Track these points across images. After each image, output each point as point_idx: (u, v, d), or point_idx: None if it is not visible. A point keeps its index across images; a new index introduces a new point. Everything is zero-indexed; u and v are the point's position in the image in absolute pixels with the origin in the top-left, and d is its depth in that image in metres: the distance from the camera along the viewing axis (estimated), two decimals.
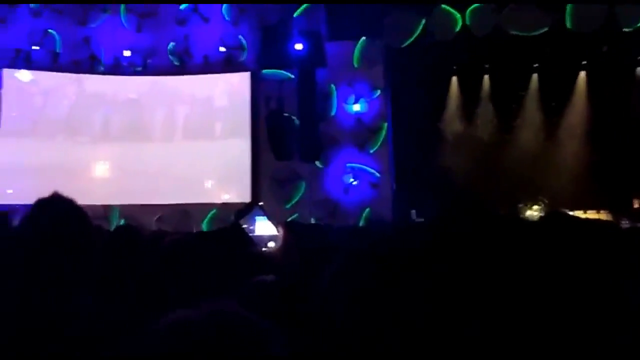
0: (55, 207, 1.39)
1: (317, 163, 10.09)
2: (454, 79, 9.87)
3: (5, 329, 1.22)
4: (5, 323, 1.23)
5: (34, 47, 11.00)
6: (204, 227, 9.96)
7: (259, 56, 10.62)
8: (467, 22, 9.13)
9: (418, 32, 9.34)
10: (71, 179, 10.24)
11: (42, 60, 11.12)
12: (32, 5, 11.05)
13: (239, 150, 10.65)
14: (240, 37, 10.88)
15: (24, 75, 11.19)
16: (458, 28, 9.17)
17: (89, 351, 1.19)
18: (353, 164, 9.98)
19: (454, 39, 9.16)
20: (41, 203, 1.39)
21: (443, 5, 9.13)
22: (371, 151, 10.01)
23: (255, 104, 10.73)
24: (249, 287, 1.89)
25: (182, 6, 10.94)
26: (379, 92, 9.98)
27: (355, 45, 10.02)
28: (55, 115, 11.14)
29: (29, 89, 11.24)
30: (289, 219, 7.80)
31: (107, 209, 10.26)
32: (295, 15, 10.37)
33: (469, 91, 9.70)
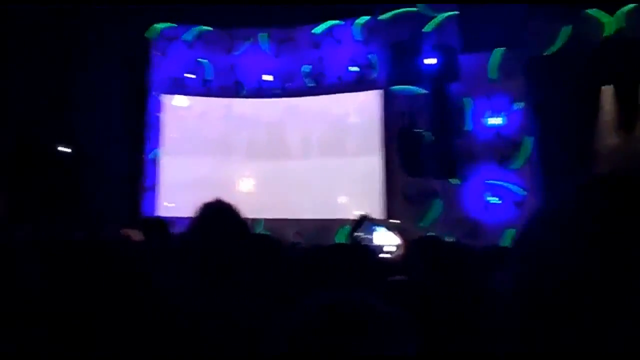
0: (221, 209, 1.55)
1: (453, 179, 10.17)
2: (607, 87, 9.19)
3: (188, 325, 1.33)
4: (185, 319, 1.34)
5: (188, 75, 12.85)
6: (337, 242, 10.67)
7: (389, 73, 11.02)
8: (620, 25, 8.51)
9: (563, 39, 8.95)
10: (222, 193, 11.59)
11: (195, 87, 12.89)
12: (186, 38, 12.86)
13: (371, 167, 11.13)
14: (370, 55, 11.43)
15: (180, 100, 13.07)
16: (609, 32, 8.60)
17: (254, 347, 1.26)
18: (493, 181, 9.81)
19: (605, 44, 8.59)
20: (207, 206, 1.53)
21: (589, 10, 8.63)
22: (514, 167, 9.71)
23: (387, 121, 11.16)
24: (382, 285, 1.99)
25: (317, 30, 11.86)
26: (521, 104, 9.70)
27: (490, 57, 9.93)
28: (207, 136, 12.73)
29: (185, 113, 13.06)
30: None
31: (253, 221, 11.49)
32: (425, 29, 10.60)
33: (626, 100, 8.95)
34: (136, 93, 12.90)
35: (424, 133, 10.43)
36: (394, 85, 10.95)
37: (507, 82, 9.81)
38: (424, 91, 10.52)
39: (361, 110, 11.63)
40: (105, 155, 12.79)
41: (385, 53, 11.13)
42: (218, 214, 1.53)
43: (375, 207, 10.94)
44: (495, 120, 9.91)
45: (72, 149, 15.91)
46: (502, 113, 9.82)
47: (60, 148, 15.98)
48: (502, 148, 9.87)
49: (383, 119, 11.21)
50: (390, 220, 10.45)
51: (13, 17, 11.44)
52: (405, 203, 10.59)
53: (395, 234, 1.88)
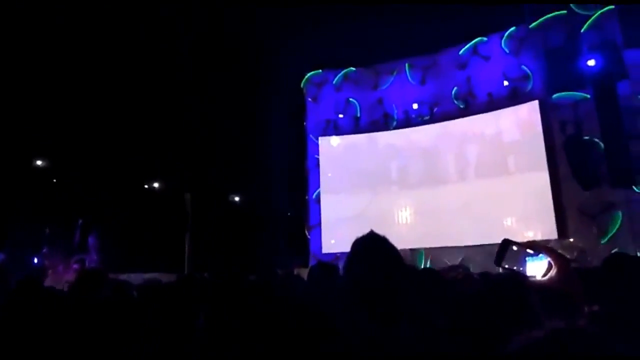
0: (374, 242, 1.61)
1: (634, 188, 9.70)
2: None
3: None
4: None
5: (340, 116, 14.41)
6: None
7: (546, 82, 11.05)
8: None
9: None
10: (381, 225, 12.50)
11: (346, 125, 14.36)
12: (334, 82, 14.53)
13: (537, 183, 10.98)
14: (523, 67, 11.61)
15: (334, 140, 14.64)
16: None
17: None
18: None
19: None
20: (361, 240, 1.61)
21: None
22: None
23: (549, 133, 11.07)
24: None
25: (462, 51, 12.50)
26: None
27: None
28: (362, 171, 13.87)
29: (339, 152, 14.53)
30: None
31: (414, 252, 12.15)
32: (582, 30, 10.52)
33: None
34: (296, 139, 14.91)
35: (593, 140, 10.19)
36: (552, 93, 10.93)
37: None
38: (587, 96, 10.34)
39: (519, 125, 11.69)
40: (273, 200, 14.89)
41: (540, 61, 11.18)
42: (371, 247, 1.59)
43: (547, 226, 10.83)
44: None
45: (243, 197, 18.67)
46: None
47: (234, 198, 18.85)
48: None
49: (544, 131, 11.13)
50: (570, 240, 10.31)
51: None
52: (582, 219, 10.29)
53: (545, 260, 1.59)
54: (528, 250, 1.64)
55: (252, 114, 14.05)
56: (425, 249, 12.24)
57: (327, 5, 12.30)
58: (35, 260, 11.40)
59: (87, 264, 11.43)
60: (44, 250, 11.40)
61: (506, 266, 1.64)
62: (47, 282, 5.01)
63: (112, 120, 14.52)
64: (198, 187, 16.71)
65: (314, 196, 14.55)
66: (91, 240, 12.52)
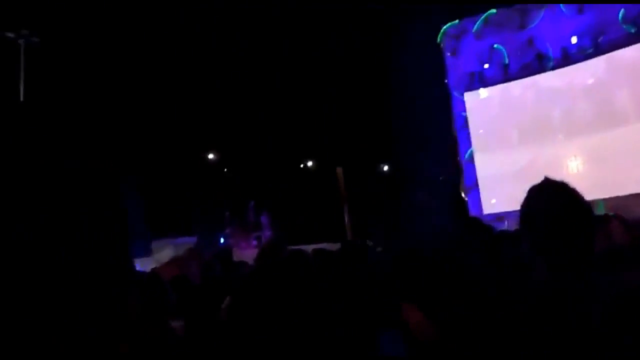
0: (551, 188, 1.51)
1: None
2: None
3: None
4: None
5: (484, 66, 13.33)
6: None
7: None
8: None
9: None
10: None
11: (494, 75, 13.27)
12: (473, 30, 13.44)
13: None
14: None
15: (482, 93, 13.64)
16: None
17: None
18: None
19: None
20: (537, 188, 1.51)
21: None
22: None
23: None
24: None
25: None
26: None
27: None
28: (519, 122, 12.85)
29: (489, 105, 13.55)
30: None
31: (591, 203, 10.94)
32: None
33: None
34: (440, 98, 14.26)
35: None
36: None
37: None
38: None
39: None
40: (423, 165, 14.51)
41: None
42: (551, 193, 1.49)
43: None
44: None
45: (393, 166, 18.61)
46: None
47: (383, 167, 18.91)
48: None
49: None
50: None
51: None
52: None
53: None
54: None
55: (390, 79, 13.77)
56: (604, 199, 10.97)
57: None
58: (222, 240, 13.12)
59: (263, 240, 12.74)
60: (227, 231, 13.02)
61: None
62: (234, 257, 5.64)
63: (266, 109, 15.61)
64: (348, 161, 17.16)
65: (466, 157, 13.87)
66: (264, 219, 13.80)
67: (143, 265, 4.38)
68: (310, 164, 18.98)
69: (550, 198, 1.48)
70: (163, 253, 10.20)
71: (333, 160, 17.64)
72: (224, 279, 3.84)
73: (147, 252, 11.33)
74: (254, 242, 13.11)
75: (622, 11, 10.82)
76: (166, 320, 2.05)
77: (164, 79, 13.87)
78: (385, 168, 19.13)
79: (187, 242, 10.78)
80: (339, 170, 17.66)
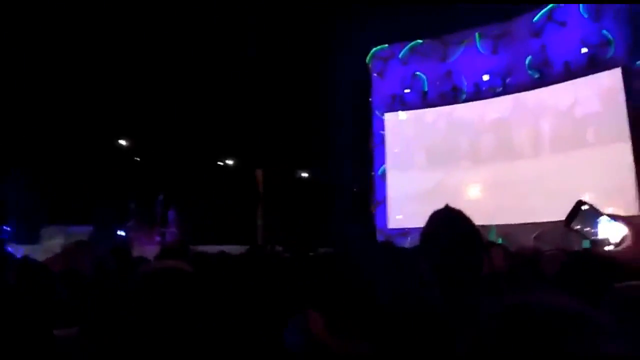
0: (449, 216, 1.63)
1: None
2: None
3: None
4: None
5: (406, 90, 14.33)
6: (586, 243, 10.40)
7: (630, 47, 10.44)
8: None
9: None
10: (450, 202, 12.44)
11: (413, 100, 14.28)
12: (400, 55, 14.43)
13: (618, 156, 10.53)
14: (604, 32, 10.98)
15: (401, 115, 14.61)
16: None
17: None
18: None
19: None
20: (437, 215, 1.63)
21: None
22: None
23: (633, 101, 10.45)
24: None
25: (536, 18, 11.99)
26: None
27: None
28: (430, 146, 13.83)
29: (406, 127, 14.50)
30: None
31: (484, 229, 12.02)
32: None
33: None
34: (362, 115, 15.06)
35: None
36: (638, 60, 10.34)
37: None
38: None
39: (598, 95, 11.11)
40: (339, 175, 15.22)
41: (622, 26, 10.59)
42: (449, 220, 1.62)
43: (629, 202, 10.36)
44: None
45: (312, 173, 19.19)
46: None
47: (302, 173, 19.43)
48: None
49: (627, 100, 10.55)
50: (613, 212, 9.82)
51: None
52: None
53: (621, 224, 1.51)
54: (603, 215, 1.60)
55: (318, 90, 14.33)
56: (497, 225, 12.08)
57: None
58: (122, 233, 12.42)
59: (167, 237, 12.40)
60: (129, 224, 12.38)
61: (576, 227, 1.60)
62: (133, 253, 5.43)
63: (187, 100, 15.39)
64: (268, 163, 17.42)
65: (379, 172, 14.71)
66: (171, 214, 13.46)
67: (31, 253, 4.16)
68: (229, 162, 18.98)
69: (448, 224, 1.62)
70: (54, 242, 9.74)
71: (253, 161, 17.80)
72: (118, 276, 3.58)
73: (34, 239, 10.85)
74: (157, 238, 12.69)
75: (529, 57, 12.19)
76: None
77: (80, 60, 13.40)
78: (305, 175, 19.66)
79: (82, 231, 10.19)
80: (259, 172, 17.90)
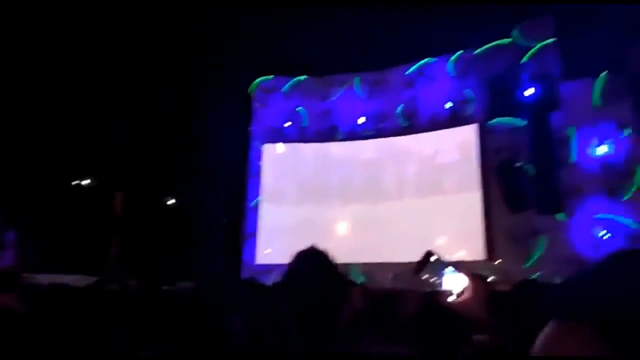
0: (315, 257, 1.63)
1: (559, 215, 10.35)
2: None
3: None
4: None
5: (286, 124, 14.65)
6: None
7: (486, 107, 11.75)
8: None
9: None
10: (319, 238, 12.67)
11: (292, 134, 14.60)
12: (283, 89, 14.82)
13: (470, 204, 11.52)
14: (465, 91, 12.34)
15: (279, 148, 14.83)
16: None
17: None
18: (603, 215, 9.80)
19: None
20: (302, 254, 1.63)
21: None
22: (624, 199, 9.67)
23: (485, 156, 11.67)
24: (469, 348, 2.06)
25: (409, 71, 13.14)
26: (628, 130, 9.77)
27: (592, 83, 10.19)
28: (304, 181, 14.05)
29: (283, 160, 14.70)
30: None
31: (347, 267, 12.33)
32: (523, 60, 11.34)
33: None
34: (240, 144, 14.98)
35: (525, 167, 10.89)
36: (491, 119, 11.58)
37: (612, 108, 9.90)
38: (523, 123, 11.08)
39: (457, 147, 12.24)
40: (210, 204, 14.80)
41: (482, 87, 11.85)
42: (312, 261, 1.62)
43: (476, 247, 11.38)
44: (602, 150, 9.99)
45: (179, 201, 18.43)
46: (609, 141, 9.88)
47: (169, 200, 18.60)
48: (610, 179, 9.86)
49: (481, 154, 11.75)
50: (496, 262, 10.89)
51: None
52: (508, 241, 10.87)
53: (463, 276, 1.65)
54: (449, 266, 1.68)
55: (196, 115, 14.01)
56: (360, 264, 12.48)
57: (282, 10, 12.61)
58: None
59: (3, 261, 11.07)
60: None
61: (424, 277, 1.68)
62: None
63: (39, 111, 14.07)
64: (131, 186, 16.38)
65: (252, 204, 14.60)
66: (9, 236, 12.08)
67: None
68: (85, 182, 17.56)
69: (311, 266, 1.61)
70: None
71: (114, 183, 16.66)
72: None
73: None
74: None
75: (400, 106, 13.21)
76: None
77: None
78: (172, 202, 18.83)
79: None
80: (119, 195, 16.79)
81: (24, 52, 13.29)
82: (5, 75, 12.91)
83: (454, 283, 1.65)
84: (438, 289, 1.66)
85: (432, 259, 1.68)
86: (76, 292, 3.45)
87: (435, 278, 1.67)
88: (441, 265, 1.67)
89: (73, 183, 17.03)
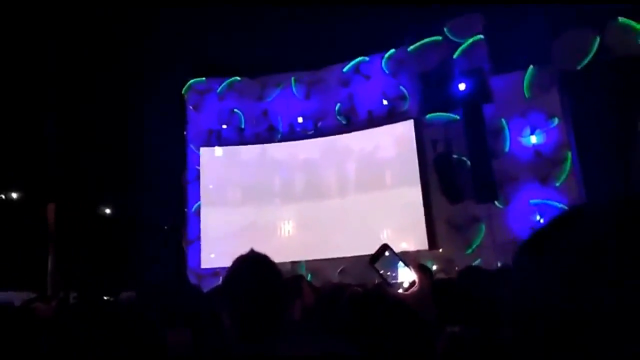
0: (253, 262, 1.58)
1: (496, 203, 10.47)
2: None
3: None
4: None
5: (223, 126, 13.91)
6: None
7: (421, 103, 11.66)
8: None
9: (593, 51, 9.41)
10: (262, 239, 12.27)
11: (230, 136, 13.90)
12: (218, 90, 14.05)
13: (410, 198, 11.47)
14: (400, 87, 12.16)
15: (217, 151, 14.08)
16: None
17: None
18: (537, 200, 10.07)
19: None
20: (241, 259, 1.59)
21: (620, 19, 9.10)
22: (557, 184, 9.93)
23: (422, 150, 11.65)
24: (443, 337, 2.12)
25: (345, 69, 12.79)
26: (556, 120, 10.02)
27: (522, 76, 10.38)
28: (245, 183, 13.48)
29: (222, 163, 13.99)
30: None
31: (294, 265, 11.99)
32: (455, 56, 11.28)
33: None
34: (176, 149, 14.13)
35: (461, 158, 10.88)
36: (426, 114, 11.54)
37: (541, 99, 10.15)
38: (457, 117, 11.06)
39: (395, 143, 12.16)
40: (150, 211, 13.88)
41: (416, 83, 11.79)
42: (252, 266, 1.58)
43: (419, 238, 11.32)
44: (533, 139, 10.20)
45: (116, 209, 17.28)
46: (539, 131, 10.14)
47: (105, 209, 17.37)
48: (543, 166, 10.08)
49: (418, 148, 11.69)
50: (439, 250, 10.81)
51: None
52: (450, 231, 10.89)
53: (410, 269, 1.67)
54: (401, 261, 1.73)
55: (127, 119, 13.04)
56: (307, 261, 12.16)
57: (213, 11, 11.91)
58: None
59: None
60: None
61: (379, 270, 1.70)
62: None
63: None
64: (63, 196, 15.19)
65: (193, 209, 13.83)
66: None
67: None
68: (14, 195, 16.16)
69: (250, 271, 1.56)
70: None
71: (44, 194, 15.35)
72: None
73: None
74: None
75: (338, 104, 12.85)
76: None
77: None
78: (108, 211, 17.59)
79: None
80: (51, 206, 15.46)
81: None
82: None
83: (404, 275, 1.71)
84: (391, 281, 1.68)
85: (387, 253, 1.71)
86: (9, 310, 3.10)
87: (389, 272, 1.71)
88: (394, 259, 1.71)
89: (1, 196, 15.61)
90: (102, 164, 14.37)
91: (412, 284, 1.69)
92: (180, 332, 2.24)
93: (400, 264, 1.71)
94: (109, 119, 13.65)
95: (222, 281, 1.60)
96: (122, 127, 13.37)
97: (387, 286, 1.73)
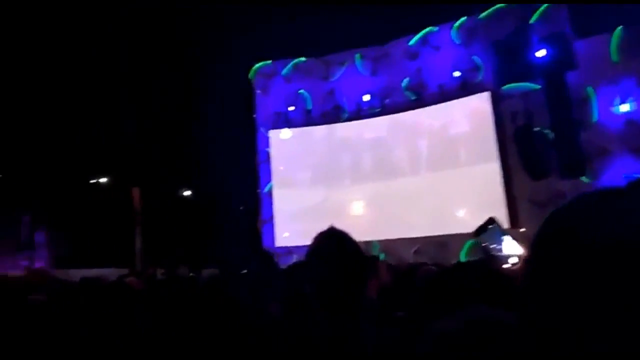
0: (336, 236, 1.57)
1: (583, 178, 9.51)
2: None
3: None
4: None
5: (290, 108, 13.65)
6: (462, 257, 10.44)
7: (496, 73, 10.71)
8: None
9: None
10: (334, 219, 12.01)
11: (297, 118, 13.64)
12: (283, 72, 13.75)
13: (488, 174, 10.72)
14: (473, 57, 11.23)
15: (285, 133, 13.88)
16: None
17: None
18: (632, 174, 9.03)
19: None
20: (324, 234, 1.59)
21: None
22: None
23: (500, 124, 10.77)
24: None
25: (412, 42, 11.98)
26: None
27: (610, 38, 9.23)
28: (314, 164, 13.31)
29: (291, 145, 13.82)
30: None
31: (367, 244, 11.72)
32: (532, 21, 10.21)
33: None
34: (246, 132, 14.12)
35: (544, 131, 9.94)
36: (503, 85, 10.62)
37: (632, 63, 8.97)
38: (537, 86, 10.07)
39: (470, 116, 11.35)
40: (224, 194, 14.08)
41: (490, 52, 10.85)
42: (332, 242, 1.57)
43: (499, 217, 10.56)
44: (625, 107, 9.09)
45: (194, 192, 17.75)
46: (631, 98, 9.02)
47: (184, 192, 17.88)
48: (636, 136, 8.99)
49: (495, 122, 10.84)
50: (521, 230, 10.10)
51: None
52: (532, 209, 10.07)
53: (520, 245, 1.57)
54: (507, 234, 1.51)
55: (200, 107, 13.16)
56: (379, 241, 11.83)
57: None
58: None
59: (35, 261, 10.92)
60: None
61: (483, 242, 1.70)
62: None
63: (56, 115, 13.48)
64: (147, 181, 15.78)
65: (265, 190, 13.83)
66: (39, 236, 11.81)
67: None
68: (103, 180, 17.01)
69: (331, 246, 1.56)
70: None
71: (129, 179, 16.05)
72: None
73: None
74: (24, 263, 11.23)
75: (406, 80, 12.12)
76: None
77: None
78: (187, 193, 18.10)
79: None
80: (136, 190, 16.10)
81: (36, 61, 12.49)
82: (18, 81, 12.19)
83: (512, 249, 1.74)
84: (494, 253, 1.74)
85: (492, 226, 1.74)
86: (105, 286, 3.36)
87: (494, 244, 1.90)
88: (500, 232, 1.70)
89: (91, 182, 16.52)
90: (181, 151, 14.72)
91: (520, 259, 1.46)
92: (271, 307, 2.25)
93: (507, 237, 1.63)
94: (183, 110, 13.89)
95: (307, 254, 1.61)
96: (196, 116, 13.52)
97: (489, 258, 1.60)
